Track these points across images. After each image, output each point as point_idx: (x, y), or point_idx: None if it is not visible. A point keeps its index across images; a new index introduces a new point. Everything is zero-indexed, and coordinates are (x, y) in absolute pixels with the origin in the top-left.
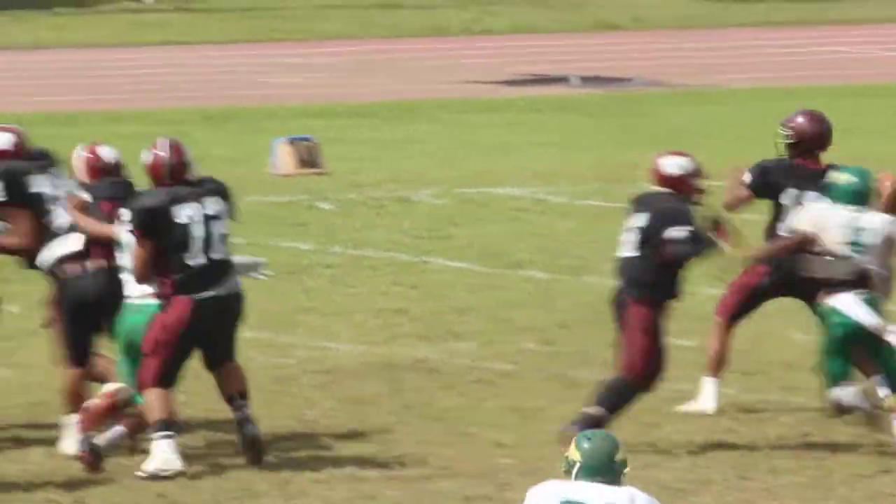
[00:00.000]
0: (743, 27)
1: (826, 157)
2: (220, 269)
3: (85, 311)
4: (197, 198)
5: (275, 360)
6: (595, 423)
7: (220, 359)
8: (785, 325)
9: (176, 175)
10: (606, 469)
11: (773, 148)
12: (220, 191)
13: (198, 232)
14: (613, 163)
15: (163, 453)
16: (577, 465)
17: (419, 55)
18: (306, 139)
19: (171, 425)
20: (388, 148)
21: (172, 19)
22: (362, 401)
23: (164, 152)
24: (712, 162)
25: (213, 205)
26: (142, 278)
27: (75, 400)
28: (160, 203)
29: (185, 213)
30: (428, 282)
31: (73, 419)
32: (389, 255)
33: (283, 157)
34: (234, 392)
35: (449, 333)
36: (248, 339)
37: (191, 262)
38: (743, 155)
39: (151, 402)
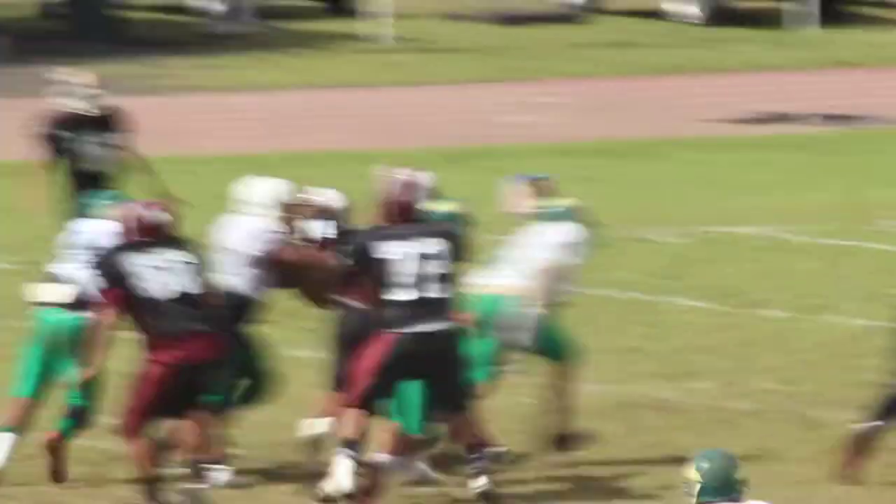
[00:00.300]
0: None
1: None
2: (431, 307)
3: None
4: (414, 237)
5: (514, 398)
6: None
7: (449, 406)
8: None
9: (403, 214)
10: (728, 488)
11: None
12: (443, 232)
13: (410, 269)
14: (853, 201)
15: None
16: (699, 486)
17: (657, 94)
18: (542, 177)
19: (355, 445)
20: (627, 186)
21: (410, 60)
22: (601, 439)
23: (395, 189)
24: None
25: (432, 245)
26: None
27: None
28: (368, 239)
29: (398, 251)
30: (666, 321)
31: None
32: (628, 294)
33: (518, 196)
34: (465, 444)
35: (687, 373)
36: None
37: (398, 298)
38: None
39: (348, 420)
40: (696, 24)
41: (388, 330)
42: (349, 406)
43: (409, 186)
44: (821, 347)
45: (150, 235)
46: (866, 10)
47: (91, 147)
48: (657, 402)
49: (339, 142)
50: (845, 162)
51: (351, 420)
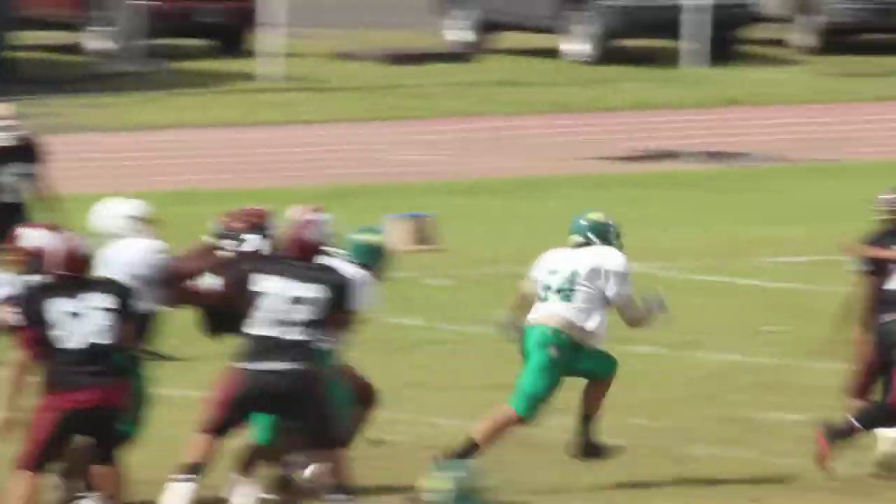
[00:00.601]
0: (867, 102)
1: None
2: (285, 348)
3: None
4: (289, 276)
5: (382, 436)
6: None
7: (312, 444)
8: None
9: (301, 251)
10: (472, 499)
11: None
12: (328, 280)
13: (277, 307)
14: (732, 238)
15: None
16: (445, 495)
17: (544, 132)
18: (421, 216)
19: (197, 469)
20: (511, 224)
21: (299, 98)
22: None
23: (296, 226)
24: (832, 236)
25: (310, 290)
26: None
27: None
28: (248, 269)
29: (273, 287)
30: None
31: None
32: None
33: (398, 234)
34: (330, 484)
35: (554, 409)
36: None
37: (257, 333)
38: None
39: (194, 444)
40: (587, 63)
41: (239, 363)
42: (199, 431)
43: (310, 224)
44: (691, 384)
45: (77, 270)
46: (755, 49)
47: (9, 178)
48: (522, 438)
49: (222, 181)
50: (727, 199)
51: (197, 445)
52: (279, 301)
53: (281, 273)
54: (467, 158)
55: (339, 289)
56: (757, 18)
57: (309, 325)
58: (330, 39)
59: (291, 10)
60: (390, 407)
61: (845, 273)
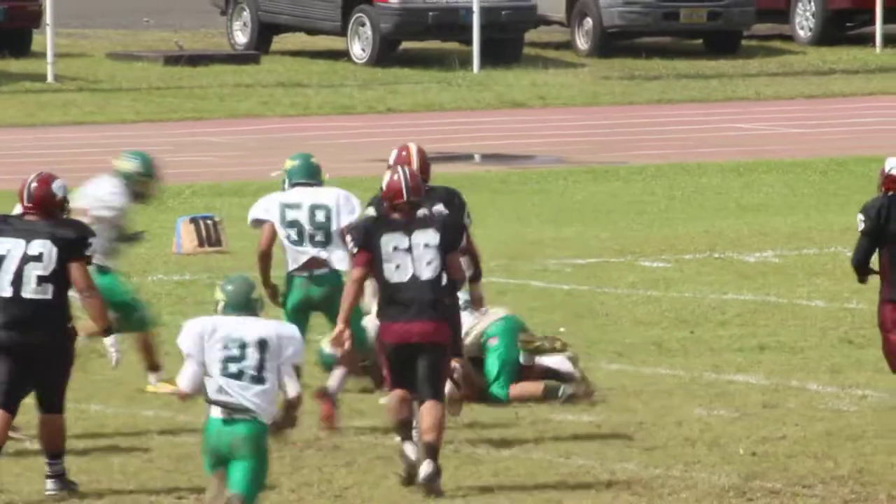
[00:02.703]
0: (645, 105)
1: None
2: (22, 307)
3: None
4: (22, 235)
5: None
6: None
7: (39, 406)
8: (684, 401)
9: (34, 206)
10: (246, 305)
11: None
12: (51, 234)
13: (9, 267)
14: (516, 240)
15: None
16: (223, 303)
17: (323, 133)
18: (208, 217)
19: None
20: None
21: (76, 99)
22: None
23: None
24: (614, 238)
25: (38, 246)
26: None
27: None
28: None
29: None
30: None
31: None
32: None
33: (185, 236)
34: (45, 450)
35: (351, 411)
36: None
37: None
38: (644, 231)
39: None
40: (366, 65)
41: None
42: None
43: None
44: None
45: None
46: (538, 52)
47: None
48: (319, 441)
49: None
50: (510, 201)
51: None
52: (9, 261)
53: (8, 233)
54: (249, 160)
55: (65, 241)
56: (540, 22)
57: (42, 281)
58: (108, 41)
59: (74, 11)
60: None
61: (624, 273)
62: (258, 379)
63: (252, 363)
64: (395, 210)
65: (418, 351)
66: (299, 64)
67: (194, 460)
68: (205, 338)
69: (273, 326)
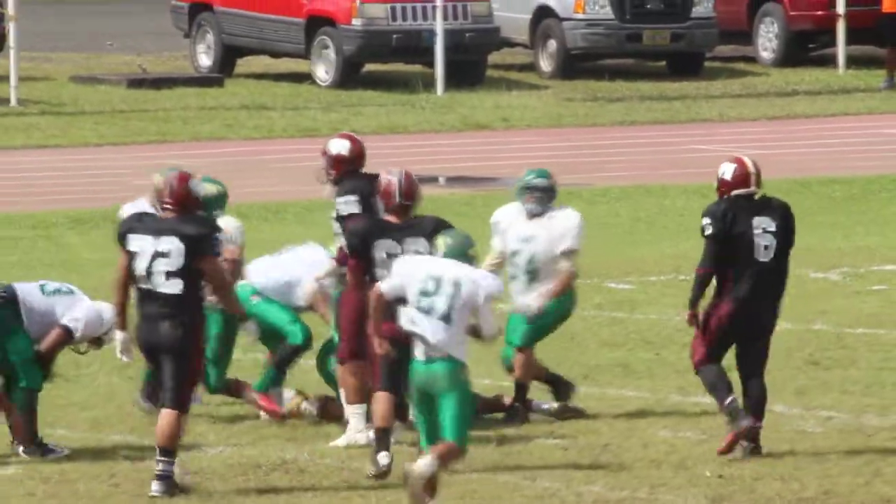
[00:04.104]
0: (610, 126)
1: None
2: (149, 302)
3: None
4: (152, 232)
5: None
6: None
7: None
8: (650, 423)
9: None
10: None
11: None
12: (177, 231)
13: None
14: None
15: None
16: (441, 252)
17: (286, 156)
18: None
19: None
20: (258, 248)
21: (39, 122)
22: (233, 502)
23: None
24: (580, 260)
25: (166, 243)
26: None
27: None
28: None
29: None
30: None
31: None
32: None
33: None
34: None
35: (318, 434)
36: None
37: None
38: (609, 253)
39: None
40: (329, 88)
41: None
42: None
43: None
44: None
45: None
46: (502, 73)
47: None
48: (286, 465)
49: None
50: (473, 223)
51: None
52: (144, 258)
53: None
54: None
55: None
56: (504, 44)
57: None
58: (71, 64)
59: (37, 34)
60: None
61: (590, 295)
62: (446, 317)
63: (443, 301)
64: (388, 212)
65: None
66: (263, 87)
67: None
68: (412, 268)
69: (470, 272)
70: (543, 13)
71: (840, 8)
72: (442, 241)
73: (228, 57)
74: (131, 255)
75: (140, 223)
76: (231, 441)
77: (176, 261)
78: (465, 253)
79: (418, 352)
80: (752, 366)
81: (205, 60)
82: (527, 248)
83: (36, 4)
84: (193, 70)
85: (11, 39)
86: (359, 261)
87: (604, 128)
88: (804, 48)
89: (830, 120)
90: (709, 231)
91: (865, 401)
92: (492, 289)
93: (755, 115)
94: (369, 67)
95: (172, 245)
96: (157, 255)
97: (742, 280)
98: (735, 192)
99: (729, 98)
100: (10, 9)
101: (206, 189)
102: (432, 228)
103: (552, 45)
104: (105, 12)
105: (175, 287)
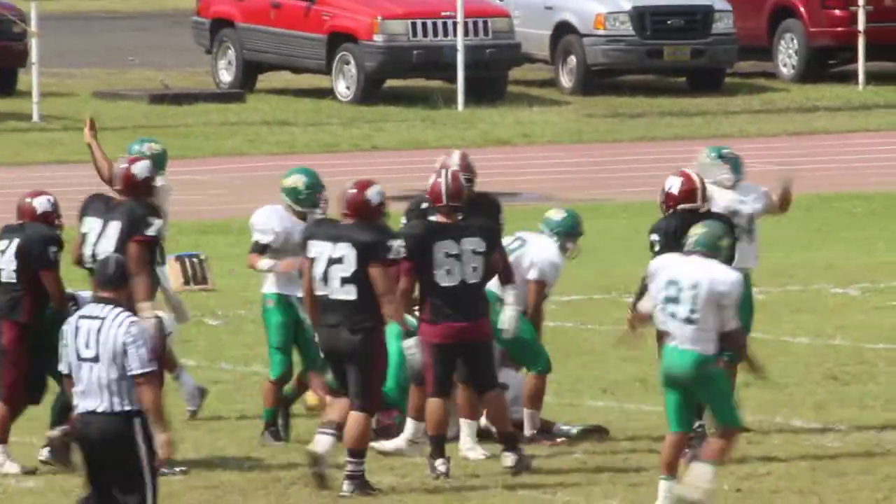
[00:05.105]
0: (630, 142)
1: None
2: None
3: None
4: (330, 238)
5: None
6: None
7: None
8: None
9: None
10: (712, 247)
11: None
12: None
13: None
14: None
15: None
16: (693, 238)
17: None
18: (194, 256)
19: None
20: None
21: (62, 138)
22: None
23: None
24: (600, 275)
25: (341, 249)
26: None
27: None
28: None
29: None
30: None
31: None
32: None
33: (172, 275)
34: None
35: (337, 449)
36: None
37: None
38: (629, 268)
39: None
40: (351, 103)
41: None
42: None
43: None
44: None
45: None
46: (523, 89)
47: None
48: (306, 478)
49: None
50: None
51: None
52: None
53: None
54: (235, 198)
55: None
56: (524, 59)
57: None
58: (94, 79)
59: (60, 50)
60: None
61: (609, 310)
62: (690, 320)
63: (685, 305)
64: (436, 212)
65: (465, 349)
66: (284, 102)
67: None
68: (657, 275)
69: (708, 271)
70: (564, 29)
71: (860, 25)
72: (693, 232)
73: (250, 72)
74: (311, 262)
75: (319, 229)
76: (251, 454)
77: (349, 267)
78: (716, 244)
79: (670, 339)
80: None
81: (226, 76)
82: None
83: (58, 21)
84: (215, 86)
85: (34, 55)
86: (414, 264)
87: (624, 143)
88: (824, 64)
89: (850, 136)
90: (657, 248)
91: (884, 416)
92: (732, 293)
93: (775, 130)
94: (390, 83)
95: (347, 251)
96: (332, 261)
97: None
98: (681, 206)
99: (749, 114)
100: (33, 25)
101: (152, 148)
102: (487, 226)
103: (573, 60)
104: (127, 28)
105: (349, 293)
